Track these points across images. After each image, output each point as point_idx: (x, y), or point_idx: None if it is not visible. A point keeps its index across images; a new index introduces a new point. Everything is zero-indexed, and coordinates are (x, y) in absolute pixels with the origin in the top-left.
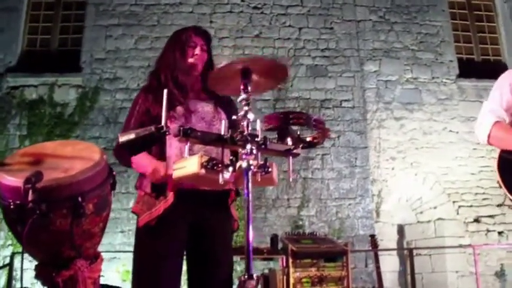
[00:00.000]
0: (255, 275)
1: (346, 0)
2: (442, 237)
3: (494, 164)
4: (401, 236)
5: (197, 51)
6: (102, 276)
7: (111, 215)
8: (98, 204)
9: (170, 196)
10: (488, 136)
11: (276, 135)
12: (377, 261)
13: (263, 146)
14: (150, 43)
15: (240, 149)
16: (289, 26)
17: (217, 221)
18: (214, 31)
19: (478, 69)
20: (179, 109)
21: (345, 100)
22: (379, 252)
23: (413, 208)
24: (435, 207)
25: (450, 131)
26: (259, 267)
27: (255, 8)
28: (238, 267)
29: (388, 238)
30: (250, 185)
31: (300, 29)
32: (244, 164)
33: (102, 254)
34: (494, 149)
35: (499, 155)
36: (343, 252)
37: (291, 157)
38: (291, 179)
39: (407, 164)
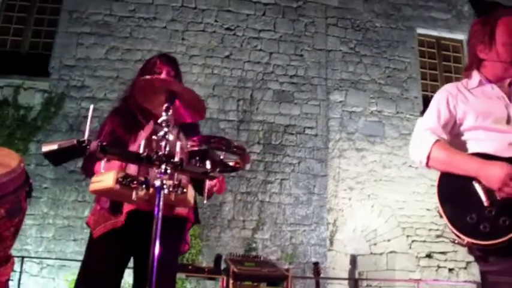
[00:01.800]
0: None
1: (318, 29)
2: (393, 270)
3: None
4: (353, 266)
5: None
6: (11, 280)
7: (65, 222)
8: (10, 209)
9: (122, 216)
10: (428, 157)
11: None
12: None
13: (179, 167)
14: (120, 54)
15: (155, 169)
16: (260, 49)
17: (165, 244)
18: (186, 48)
19: None
20: (142, 133)
21: (309, 127)
22: (330, 281)
23: (367, 239)
24: (389, 240)
25: (410, 166)
26: (208, 286)
27: (227, 29)
28: (189, 284)
29: (340, 267)
30: (161, 203)
31: (271, 53)
32: (157, 183)
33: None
34: None
35: (440, 179)
36: (284, 277)
37: (207, 180)
38: (205, 202)
39: (365, 195)
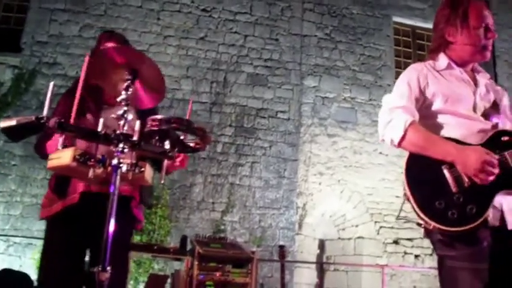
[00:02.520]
0: (163, 273)
1: (294, 14)
2: (361, 255)
3: (403, 171)
4: (321, 250)
5: None
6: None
7: (33, 200)
8: None
9: (72, 198)
10: (403, 138)
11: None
12: (283, 271)
13: (137, 146)
14: (94, 32)
15: (113, 147)
16: (236, 32)
17: (117, 222)
18: (161, 28)
19: None
20: (88, 116)
21: (281, 111)
22: (298, 264)
23: (335, 224)
24: (357, 226)
25: (380, 153)
26: (176, 267)
27: (203, 10)
28: (156, 265)
29: (308, 251)
30: (117, 182)
31: (246, 36)
32: (114, 161)
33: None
34: None
35: (408, 162)
36: (249, 259)
37: (165, 159)
38: (162, 181)
39: (335, 180)
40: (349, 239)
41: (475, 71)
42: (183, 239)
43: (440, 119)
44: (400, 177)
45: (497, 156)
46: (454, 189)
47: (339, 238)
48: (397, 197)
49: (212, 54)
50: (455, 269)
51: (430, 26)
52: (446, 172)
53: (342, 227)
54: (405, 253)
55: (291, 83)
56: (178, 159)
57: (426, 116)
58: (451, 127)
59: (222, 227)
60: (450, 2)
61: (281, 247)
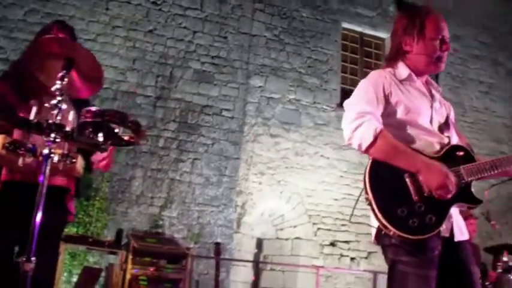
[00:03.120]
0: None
1: (244, 13)
2: (297, 256)
3: (365, 175)
4: (259, 250)
5: None
6: None
7: None
8: None
9: None
10: (371, 145)
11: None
12: (217, 269)
13: (70, 137)
14: (40, 18)
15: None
16: (185, 27)
17: (46, 213)
18: (109, 19)
19: None
20: (32, 102)
21: (226, 109)
22: (235, 263)
23: (274, 224)
24: (295, 226)
25: (322, 155)
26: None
27: (153, 3)
28: (92, 258)
29: (245, 250)
30: (47, 171)
31: (195, 32)
32: (45, 151)
33: None
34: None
35: (371, 168)
36: (184, 255)
37: (97, 152)
38: (92, 173)
39: (275, 181)
40: (287, 239)
41: (428, 84)
42: (119, 233)
43: (401, 128)
44: (339, 181)
45: (454, 176)
46: (415, 198)
47: (277, 238)
48: (336, 199)
49: (160, 48)
50: (406, 274)
51: (378, 33)
52: (408, 181)
53: (280, 227)
54: (341, 255)
55: (237, 82)
56: (101, 163)
57: (387, 124)
58: (411, 138)
59: (160, 222)
60: (408, 13)
61: (217, 244)
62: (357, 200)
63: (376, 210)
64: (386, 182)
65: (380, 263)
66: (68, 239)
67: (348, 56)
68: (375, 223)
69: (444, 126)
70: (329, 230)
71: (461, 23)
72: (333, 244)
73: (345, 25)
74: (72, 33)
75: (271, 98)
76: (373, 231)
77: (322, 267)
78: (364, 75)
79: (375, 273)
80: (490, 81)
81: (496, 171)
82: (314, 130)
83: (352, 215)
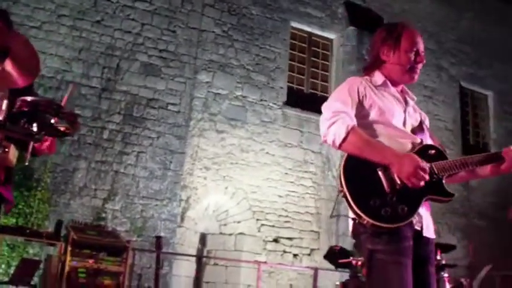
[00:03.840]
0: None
1: (194, 8)
2: (241, 251)
3: (340, 170)
4: (202, 244)
5: None
6: None
7: None
8: None
9: None
10: (344, 140)
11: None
12: (158, 262)
13: (2, 126)
14: None
15: None
16: (133, 19)
17: None
18: (55, 7)
19: (305, 100)
20: None
21: (172, 104)
22: (178, 257)
23: (218, 219)
24: (239, 222)
25: (267, 152)
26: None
27: None
28: (31, 249)
29: (188, 244)
30: None
31: (143, 25)
32: None
33: None
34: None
35: (346, 161)
36: (124, 249)
37: (31, 141)
38: (26, 163)
39: (220, 176)
40: (230, 234)
41: (404, 92)
42: (58, 224)
43: (375, 128)
44: (284, 178)
45: (428, 165)
46: (387, 190)
47: (221, 233)
48: (280, 196)
49: (107, 39)
50: (386, 262)
51: (326, 34)
52: (381, 174)
53: (224, 223)
54: (284, 252)
55: (184, 76)
56: (45, 144)
57: (362, 124)
58: (384, 136)
59: (103, 215)
60: (387, 27)
61: (158, 238)
62: (340, 194)
63: (351, 201)
64: (360, 176)
65: (322, 259)
66: (4, 229)
67: (296, 55)
68: (351, 215)
69: (418, 130)
70: (273, 226)
71: None
72: (276, 240)
73: (294, 24)
74: (7, 20)
75: (218, 93)
76: (350, 226)
77: (265, 262)
78: (311, 74)
79: (316, 270)
80: (433, 86)
81: (465, 169)
82: (260, 127)
83: (333, 211)
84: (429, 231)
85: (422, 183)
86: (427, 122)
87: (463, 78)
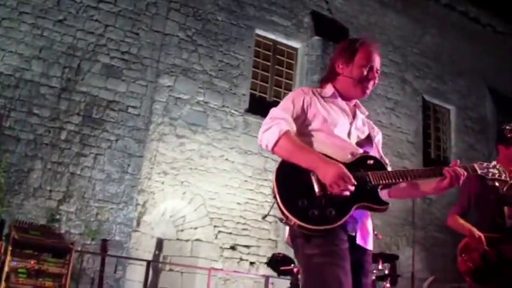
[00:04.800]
0: None
1: (159, 11)
2: (197, 258)
3: (274, 172)
4: (159, 250)
5: None
6: None
7: None
8: None
9: None
10: (275, 144)
11: None
12: (102, 265)
13: None
14: None
15: None
16: (96, 20)
17: None
18: (17, 3)
19: (267, 108)
20: None
21: (132, 106)
22: (131, 261)
23: (175, 225)
24: (196, 228)
25: (227, 159)
26: None
27: None
28: None
29: (144, 249)
30: None
31: (106, 26)
32: None
33: None
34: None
35: (281, 163)
36: (67, 250)
37: None
38: None
39: (178, 181)
40: (187, 240)
41: (356, 106)
42: (1, 224)
43: (317, 136)
44: (243, 185)
45: (351, 175)
46: (318, 193)
47: (177, 239)
48: (238, 203)
49: (69, 38)
50: (322, 264)
51: (291, 43)
52: (313, 178)
53: (181, 228)
54: (241, 259)
55: (146, 80)
56: None
57: (305, 133)
58: (325, 145)
59: (57, 217)
60: (348, 40)
61: (104, 240)
62: (273, 191)
63: (279, 202)
64: (293, 178)
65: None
66: None
67: (260, 62)
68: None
69: (365, 143)
70: (230, 233)
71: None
72: (233, 248)
73: (259, 32)
74: None
75: (180, 98)
76: (287, 232)
77: (221, 269)
78: (275, 82)
79: (267, 277)
80: (396, 99)
81: (404, 180)
82: (221, 133)
83: (268, 213)
84: (364, 241)
85: (346, 192)
86: (378, 137)
87: (426, 91)
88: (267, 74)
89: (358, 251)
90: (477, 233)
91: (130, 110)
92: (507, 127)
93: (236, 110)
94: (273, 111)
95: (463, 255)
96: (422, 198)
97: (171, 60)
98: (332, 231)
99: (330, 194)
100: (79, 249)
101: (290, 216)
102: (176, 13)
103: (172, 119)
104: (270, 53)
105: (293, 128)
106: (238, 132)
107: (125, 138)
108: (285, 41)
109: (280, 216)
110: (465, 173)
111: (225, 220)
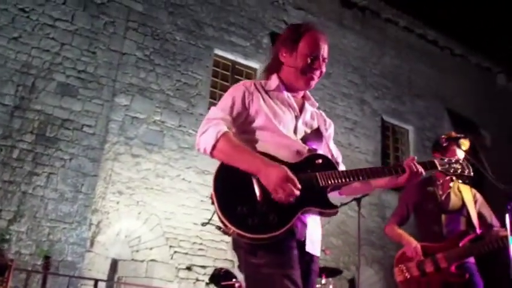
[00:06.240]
0: None
1: (116, 30)
2: (152, 278)
3: (214, 176)
4: (113, 270)
5: None
6: None
7: None
8: None
9: None
10: (214, 147)
11: None
12: (44, 283)
13: None
14: None
15: None
16: (52, 38)
17: None
18: None
19: None
20: None
21: (87, 125)
22: (84, 281)
23: (130, 245)
24: (151, 249)
25: (183, 179)
26: None
27: (21, 10)
28: None
29: (98, 270)
30: None
31: (63, 44)
32: None
33: None
34: None
35: (220, 167)
36: (6, 267)
37: None
38: None
39: (134, 201)
40: (142, 261)
41: (305, 98)
42: None
43: (260, 135)
44: (200, 205)
45: (295, 179)
46: (259, 198)
47: (132, 259)
48: (195, 224)
49: (23, 56)
50: (270, 275)
51: (250, 63)
52: (255, 181)
53: (136, 249)
54: (197, 280)
55: (102, 99)
56: None
57: (247, 131)
58: (269, 144)
59: (8, 237)
60: (293, 26)
61: (46, 258)
62: (211, 197)
63: (217, 209)
64: (233, 183)
65: None
66: None
67: (219, 82)
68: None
69: (313, 139)
70: (186, 254)
71: (333, 61)
72: (189, 268)
73: (218, 52)
74: None
75: (136, 117)
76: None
77: None
78: None
79: None
80: (355, 119)
81: (356, 180)
82: (177, 153)
83: (209, 221)
84: (314, 248)
85: (289, 198)
86: (330, 130)
87: (385, 112)
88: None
89: (306, 258)
90: (413, 242)
91: (85, 128)
92: (443, 136)
93: (193, 130)
94: (211, 111)
95: (400, 265)
96: (381, 217)
97: (128, 80)
98: (277, 239)
99: (272, 199)
100: (21, 267)
101: (229, 225)
102: (134, 32)
103: (128, 138)
104: (228, 73)
105: (231, 127)
106: (196, 152)
107: (79, 157)
108: (243, 61)
109: (219, 224)
110: (422, 171)
111: (181, 240)
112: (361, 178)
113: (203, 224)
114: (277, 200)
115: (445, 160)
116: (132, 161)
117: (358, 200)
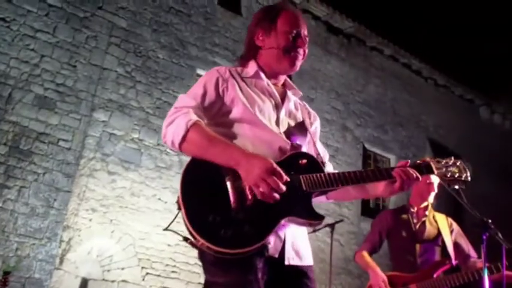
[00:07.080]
0: None
1: (98, 45)
2: None
3: (180, 176)
4: None
5: None
6: None
7: None
8: None
9: None
10: (183, 139)
11: None
12: None
13: None
14: None
15: None
16: (32, 49)
17: None
18: None
19: None
20: None
21: (64, 140)
22: None
23: (101, 264)
24: (123, 269)
25: (159, 199)
26: None
27: (2, 19)
28: None
29: None
30: None
31: (43, 56)
32: None
33: None
34: None
35: (188, 166)
36: None
37: None
38: None
39: (107, 219)
40: (113, 281)
41: (286, 86)
42: None
43: (237, 128)
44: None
45: (282, 171)
46: (233, 205)
47: (103, 279)
48: (169, 245)
49: (1, 66)
50: None
51: None
52: (229, 184)
53: (108, 268)
54: None
55: (80, 113)
56: None
57: (221, 123)
58: (247, 139)
59: None
60: (266, 8)
61: (5, 273)
62: (178, 202)
63: (184, 216)
64: (203, 186)
65: None
66: None
67: None
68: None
69: (296, 132)
70: (158, 275)
71: (316, 87)
72: None
73: (200, 72)
74: None
75: (114, 134)
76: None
77: None
78: None
79: None
80: (336, 146)
81: (345, 185)
82: (154, 172)
83: (169, 225)
84: (299, 259)
85: (274, 194)
86: (316, 125)
87: (367, 140)
88: None
89: (288, 273)
90: (380, 276)
91: (61, 143)
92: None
93: (172, 150)
94: (179, 99)
95: None
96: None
97: (107, 95)
98: (244, 256)
99: (249, 205)
100: None
101: (197, 236)
102: (116, 48)
103: (105, 154)
104: None
105: (203, 117)
106: (173, 171)
107: (53, 171)
108: None
109: (186, 234)
110: (418, 176)
111: (153, 262)
112: (349, 183)
113: (164, 229)
114: (259, 195)
115: (442, 162)
116: (108, 178)
117: (331, 226)
